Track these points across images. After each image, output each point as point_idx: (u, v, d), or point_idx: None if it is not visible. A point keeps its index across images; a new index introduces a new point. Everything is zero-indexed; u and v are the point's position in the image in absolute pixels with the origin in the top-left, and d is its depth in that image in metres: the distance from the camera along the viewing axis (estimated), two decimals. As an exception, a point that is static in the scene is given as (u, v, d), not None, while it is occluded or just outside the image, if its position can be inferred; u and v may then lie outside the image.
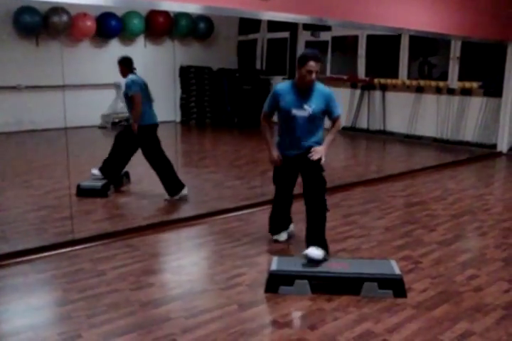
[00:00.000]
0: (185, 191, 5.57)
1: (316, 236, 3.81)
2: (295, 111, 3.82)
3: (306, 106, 3.80)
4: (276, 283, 3.40)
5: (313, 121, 3.87)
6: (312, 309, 3.22)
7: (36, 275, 3.65)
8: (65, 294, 3.35)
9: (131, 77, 5.47)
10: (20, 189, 6.03)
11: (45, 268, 3.76)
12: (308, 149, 3.86)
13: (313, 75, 3.71)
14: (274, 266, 3.49)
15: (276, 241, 4.33)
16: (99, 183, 5.63)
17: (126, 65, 5.54)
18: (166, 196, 5.54)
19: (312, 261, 3.57)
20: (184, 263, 3.99)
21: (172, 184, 5.53)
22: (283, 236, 4.36)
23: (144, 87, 5.51)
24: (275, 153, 4.02)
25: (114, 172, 5.80)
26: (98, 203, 5.44)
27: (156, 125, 5.58)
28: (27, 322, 3.01)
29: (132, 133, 5.48)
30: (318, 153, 3.83)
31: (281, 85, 3.94)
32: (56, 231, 4.51)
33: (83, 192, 5.53)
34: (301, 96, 3.83)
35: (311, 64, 3.68)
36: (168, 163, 5.52)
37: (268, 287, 3.41)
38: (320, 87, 3.88)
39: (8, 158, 7.65)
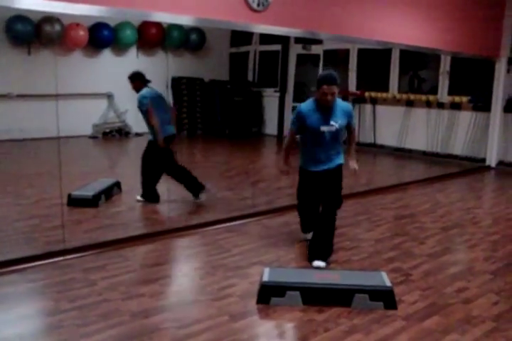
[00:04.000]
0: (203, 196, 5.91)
1: (323, 252, 4.12)
2: (324, 128, 4.07)
3: (332, 122, 4.06)
4: (267, 294, 3.41)
5: (337, 135, 4.15)
6: (303, 320, 3.23)
7: (27, 285, 3.63)
8: (56, 304, 3.33)
9: (142, 92, 5.51)
10: (9, 198, 6.01)
11: (35, 278, 3.74)
12: (337, 166, 4.20)
13: (329, 97, 3.95)
14: (265, 277, 3.50)
15: (306, 239, 4.53)
16: (90, 193, 5.62)
17: (139, 79, 5.56)
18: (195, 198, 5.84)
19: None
20: (175, 273, 4.00)
21: (194, 186, 5.79)
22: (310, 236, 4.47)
23: (157, 100, 5.56)
24: (284, 167, 4.39)
25: (153, 192, 5.82)
26: (89, 213, 5.43)
27: (170, 137, 5.67)
28: (17, 332, 2.99)
29: (154, 147, 5.56)
30: (355, 166, 4.33)
31: (305, 105, 4.14)
32: (47, 240, 4.49)
33: (74, 202, 5.52)
34: (326, 113, 4.07)
35: (324, 87, 3.92)
36: (184, 169, 5.75)
37: (260, 298, 3.42)
38: (339, 102, 4.17)
39: (-2, 166, 7.63)
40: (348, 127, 4.25)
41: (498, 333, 3.12)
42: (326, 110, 4.06)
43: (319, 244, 4.13)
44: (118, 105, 10.13)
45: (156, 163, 5.69)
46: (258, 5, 4.95)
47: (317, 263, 4.03)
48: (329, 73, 4.00)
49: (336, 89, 3.95)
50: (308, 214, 4.47)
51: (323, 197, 4.22)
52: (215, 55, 12.16)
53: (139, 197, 5.81)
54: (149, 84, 5.63)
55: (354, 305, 3.38)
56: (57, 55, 10.06)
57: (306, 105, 4.13)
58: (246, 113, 11.79)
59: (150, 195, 5.79)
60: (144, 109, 5.48)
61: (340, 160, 4.24)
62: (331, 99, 3.97)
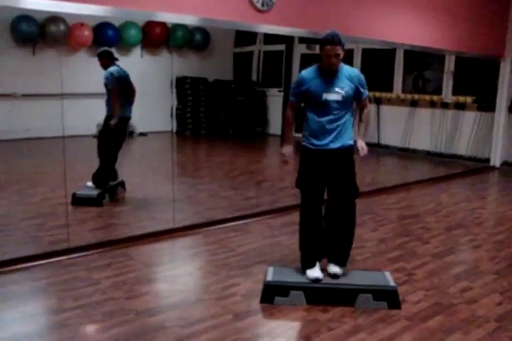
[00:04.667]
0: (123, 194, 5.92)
1: (342, 253, 3.64)
2: (326, 96, 3.47)
3: (337, 89, 3.47)
4: (271, 293, 3.41)
5: (345, 107, 3.54)
6: (307, 320, 3.23)
7: (31, 283, 3.64)
8: (60, 302, 3.34)
9: (111, 69, 5.59)
10: (14, 197, 6.03)
11: (40, 276, 3.76)
12: (348, 146, 3.57)
13: (333, 59, 3.41)
14: (269, 277, 3.51)
15: (317, 280, 3.55)
16: (94, 192, 5.64)
17: (107, 57, 5.66)
18: (90, 183, 5.75)
19: (334, 277, 3.53)
20: (179, 272, 4.00)
21: (102, 179, 5.74)
22: (319, 272, 3.59)
23: (124, 79, 5.63)
24: (286, 149, 3.68)
25: (107, 177, 5.86)
26: (93, 212, 5.44)
27: (127, 118, 5.78)
28: (22, 330, 3.01)
29: (108, 129, 5.64)
30: (364, 149, 3.58)
31: (306, 71, 3.59)
32: (51, 239, 4.51)
33: (78, 201, 5.53)
34: (329, 79, 3.50)
35: (328, 48, 3.39)
36: (114, 159, 5.77)
37: (263, 297, 3.42)
38: (347, 67, 3.58)
39: (3, 166, 7.64)
40: (358, 97, 3.59)
41: (502, 333, 3.12)
42: (329, 75, 3.49)
43: (336, 245, 3.63)
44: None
45: (112, 142, 5.77)
46: (262, 5, 4.95)
47: (332, 269, 3.57)
48: (333, 33, 3.44)
49: (340, 51, 3.40)
50: (314, 218, 3.69)
51: (333, 186, 3.58)
52: (219, 55, 12.16)
53: (90, 184, 5.84)
54: (117, 63, 5.71)
55: (358, 305, 3.38)
56: (62, 55, 10.06)
57: (308, 71, 3.58)
58: (250, 113, 11.79)
59: (105, 178, 5.82)
60: (110, 87, 5.57)
61: (350, 140, 3.59)
62: (334, 62, 3.42)
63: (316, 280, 3.53)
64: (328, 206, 3.69)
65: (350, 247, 3.71)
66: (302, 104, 3.67)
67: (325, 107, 3.50)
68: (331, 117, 3.51)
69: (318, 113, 3.54)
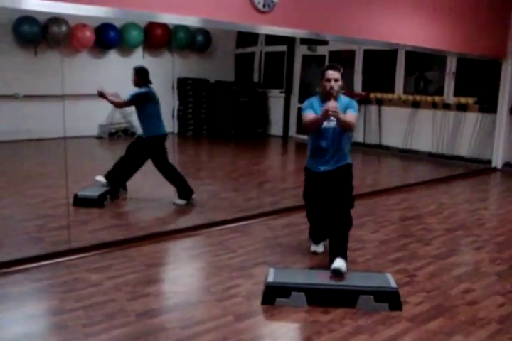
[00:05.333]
0: (193, 196, 5.83)
1: (340, 249, 3.81)
2: (324, 123, 3.88)
3: (332, 117, 3.81)
4: (272, 294, 3.41)
5: (342, 133, 3.93)
6: (308, 321, 3.23)
7: (32, 284, 3.64)
8: (61, 303, 3.34)
9: (143, 90, 5.58)
10: (16, 198, 6.03)
11: (41, 277, 3.76)
12: (344, 166, 4.00)
13: (332, 82, 3.81)
14: (270, 278, 3.50)
15: (315, 252, 4.36)
16: (96, 193, 5.64)
17: (141, 76, 5.63)
18: (176, 200, 5.75)
19: (338, 273, 3.59)
20: (180, 273, 4.00)
21: (184, 189, 5.76)
22: (321, 248, 4.37)
23: (154, 99, 5.66)
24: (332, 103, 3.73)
25: (120, 181, 5.90)
26: (95, 213, 5.44)
27: (165, 135, 5.77)
28: (23, 331, 3.01)
29: (143, 144, 5.69)
30: (333, 107, 3.68)
31: (309, 99, 4.04)
32: (53, 240, 4.51)
33: (80, 202, 5.54)
34: None
35: (329, 72, 3.83)
36: (176, 170, 5.79)
37: (264, 299, 3.42)
38: (344, 98, 3.96)
39: (5, 166, 7.66)
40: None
41: (503, 335, 3.11)
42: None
43: (335, 247, 3.84)
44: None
45: (140, 158, 5.78)
46: (264, 6, 4.96)
47: (335, 263, 3.66)
48: (334, 63, 4.03)
49: (339, 77, 3.83)
50: (317, 219, 4.28)
51: (331, 199, 3.98)
52: (221, 56, 12.17)
53: (99, 177, 5.86)
54: (151, 85, 5.70)
55: (359, 306, 3.38)
56: (64, 56, 10.09)
57: (311, 99, 4.04)
58: (251, 114, 11.80)
59: (114, 182, 5.85)
60: (141, 106, 5.61)
61: (347, 160, 4.03)
62: (334, 86, 3.80)
63: (314, 253, 4.33)
64: (330, 213, 4.02)
65: (346, 243, 3.88)
66: None
67: (323, 133, 3.94)
68: (329, 142, 3.95)
69: (317, 138, 4.00)
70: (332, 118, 3.81)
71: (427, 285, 3.82)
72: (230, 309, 3.33)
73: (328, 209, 3.99)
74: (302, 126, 4.09)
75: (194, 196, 5.82)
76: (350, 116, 3.89)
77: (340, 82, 3.85)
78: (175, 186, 5.77)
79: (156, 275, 3.99)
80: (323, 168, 4.01)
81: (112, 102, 5.72)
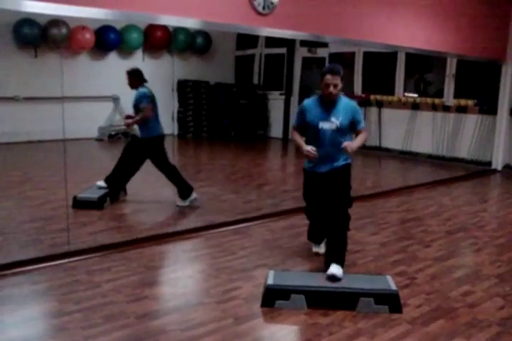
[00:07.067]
0: (194, 194, 5.81)
1: (337, 254, 3.78)
2: (322, 124, 3.85)
3: (333, 119, 3.83)
4: (272, 297, 3.40)
5: (341, 135, 3.87)
6: (308, 323, 3.22)
7: (31, 287, 3.63)
8: (61, 305, 3.33)
9: (142, 90, 5.57)
10: (15, 200, 6.03)
11: (40, 280, 3.75)
12: (342, 166, 3.94)
13: (331, 88, 3.76)
14: (270, 280, 3.49)
15: (317, 253, 4.33)
16: (95, 195, 5.64)
17: (136, 77, 5.62)
18: (179, 202, 5.75)
19: (333, 279, 3.55)
20: (180, 276, 3.99)
21: (184, 188, 5.75)
22: (322, 249, 4.27)
23: (154, 100, 5.66)
24: (307, 147, 3.85)
25: (119, 184, 5.89)
26: (94, 215, 5.43)
27: (161, 136, 5.77)
28: (22, 334, 3.00)
29: (139, 144, 5.67)
30: (350, 147, 3.74)
31: (308, 100, 4.01)
32: (52, 242, 4.50)
33: (79, 204, 5.53)
34: (327, 109, 3.86)
35: (327, 77, 3.76)
36: (175, 169, 5.78)
37: (264, 301, 3.41)
38: (345, 99, 3.93)
39: (4, 168, 7.65)
40: (354, 128, 3.91)
41: (504, 337, 3.11)
42: (328, 106, 3.86)
43: (332, 251, 3.82)
44: (124, 108, 10.15)
45: (138, 159, 5.76)
46: (264, 8, 4.96)
47: (331, 269, 3.62)
48: (334, 65, 3.95)
49: (339, 81, 3.77)
50: (316, 220, 4.25)
51: (329, 200, 3.94)
52: (221, 58, 12.18)
53: (100, 183, 5.85)
54: (146, 85, 5.68)
55: (359, 309, 3.37)
56: (64, 58, 10.10)
57: (309, 100, 4.00)
58: (251, 116, 11.80)
59: (113, 185, 5.84)
60: (142, 106, 5.55)
61: (346, 160, 3.96)
62: (333, 91, 3.76)
63: (316, 254, 4.32)
64: (328, 215, 3.99)
65: (345, 247, 3.89)
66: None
67: (321, 135, 3.88)
68: (326, 144, 3.87)
69: (315, 139, 3.91)
70: (332, 119, 3.83)
71: (427, 287, 3.82)
72: (229, 311, 3.33)
73: (327, 208, 3.95)
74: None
75: (196, 195, 5.81)
76: (362, 136, 3.93)
77: (340, 86, 3.81)
78: (175, 185, 5.76)
79: (156, 278, 3.98)
80: (321, 169, 3.97)
81: (141, 119, 5.62)
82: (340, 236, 3.87)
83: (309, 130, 3.96)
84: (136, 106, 5.61)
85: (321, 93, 3.91)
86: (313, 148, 3.82)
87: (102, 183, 5.83)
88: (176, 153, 9.60)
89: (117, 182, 5.85)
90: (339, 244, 3.85)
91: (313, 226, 4.35)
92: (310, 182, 4.14)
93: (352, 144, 3.79)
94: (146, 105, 5.55)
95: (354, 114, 3.89)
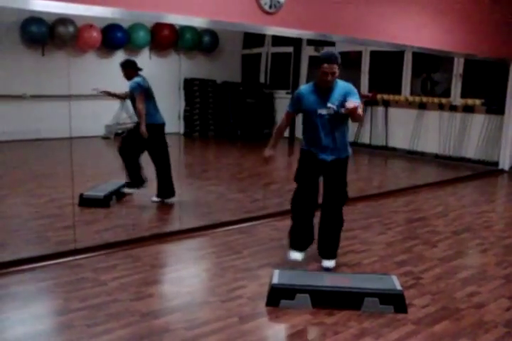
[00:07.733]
0: (173, 199, 5.76)
1: (330, 252, 4.04)
2: (320, 111, 3.79)
3: (329, 104, 3.76)
4: (277, 296, 3.40)
5: (338, 119, 3.81)
6: (313, 323, 3.22)
7: (37, 284, 3.65)
8: (66, 303, 3.34)
9: (136, 79, 5.56)
10: (22, 197, 6.05)
11: (46, 277, 3.76)
12: (345, 158, 3.94)
13: (329, 77, 3.69)
14: (275, 280, 3.49)
15: (295, 260, 4.09)
16: (101, 193, 5.65)
17: (131, 67, 5.65)
18: (154, 198, 5.73)
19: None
20: (185, 274, 3.99)
21: (166, 188, 5.70)
22: (302, 257, 4.10)
23: (148, 89, 5.62)
24: (267, 152, 4.14)
25: (138, 178, 5.87)
26: (100, 213, 5.45)
27: (161, 125, 5.70)
28: (28, 331, 3.01)
29: (135, 134, 5.61)
30: (353, 102, 3.57)
31: (304, 87, 3.93)
32: (58, 240, 4.52)
33: (86, 202, 5.54)
34: (323, 95, 3.80)
35: (324, 66, 3.67)
36: (168, 167, 5.69)
37: (269, 300, 3.41)
38: (341, 83, 3.85)
39: (12, 166, 7.67)
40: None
41: (510, 339, 3.09)
42: (324, 92, 3.79)
43: (325, 243, 4.05)
44: (130, 106, 10.16)
45: (135, 148, 5.73)
46: (270, 7, 4.95)
47: (325, 263, 4.03)
48: (330, 52, 3.76)
49: (336, 69, 3.67)
50: (303, 214, 4.04)
51: (325, 191, 3.93)
52: (228, 57, 12.16)
53: (127, 190, 5.91)
54: (141, 73, 5.67)
55: (364, 309, 3.37)
56: (71, 56, 10.12)
57: (305, 87, 3.92)
58: (258, 115, 11.79)
59: (136, 181, 5.84)
60: (136, 96, 5.52)
61: (347, 151, 3.94)
62: (330, 79, 3.70)
63: (295, 261, 4.07)
64: (322, 209, 4.06)
65: (338, 243, 4.07)
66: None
67: (319, 121, 3.82)
68: (325, 131, 3.83)
69: (312, 126, 3.87)
70: (329, 105, 3.75)
71: (433, 287, 3.80)
72: (234, 310, 3.33)
73: (323, 204, 4.01)
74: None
75: (173, 200, 5.78)
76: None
77: (337, 73, 3.71)
78: (158, 182, 5.72)
79: (161, 276, 3.99)
80: (324, 157, 3.89)
81: (140, 116, 5.60)
82: (334, 236, 4.02)
83: (307, 118, 3.91)
84: (132, 97, 5.60)
85: (316, 79, 3.84)
86: (271, 155, 4.11)
87: (128, 190, 5.89)
88: (183, 151, 9.62)
89: (136, 177, 5.84)
90: (333, 242, 4.02)
91: (297, 227, 4.10)
92: (308, 164, 3.98)
93: (356, 102, 3.59)
94: (138, 94, 5.51)
95: (347, 94, 3.74)
